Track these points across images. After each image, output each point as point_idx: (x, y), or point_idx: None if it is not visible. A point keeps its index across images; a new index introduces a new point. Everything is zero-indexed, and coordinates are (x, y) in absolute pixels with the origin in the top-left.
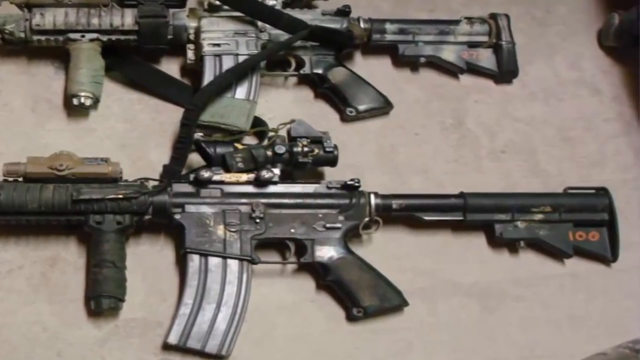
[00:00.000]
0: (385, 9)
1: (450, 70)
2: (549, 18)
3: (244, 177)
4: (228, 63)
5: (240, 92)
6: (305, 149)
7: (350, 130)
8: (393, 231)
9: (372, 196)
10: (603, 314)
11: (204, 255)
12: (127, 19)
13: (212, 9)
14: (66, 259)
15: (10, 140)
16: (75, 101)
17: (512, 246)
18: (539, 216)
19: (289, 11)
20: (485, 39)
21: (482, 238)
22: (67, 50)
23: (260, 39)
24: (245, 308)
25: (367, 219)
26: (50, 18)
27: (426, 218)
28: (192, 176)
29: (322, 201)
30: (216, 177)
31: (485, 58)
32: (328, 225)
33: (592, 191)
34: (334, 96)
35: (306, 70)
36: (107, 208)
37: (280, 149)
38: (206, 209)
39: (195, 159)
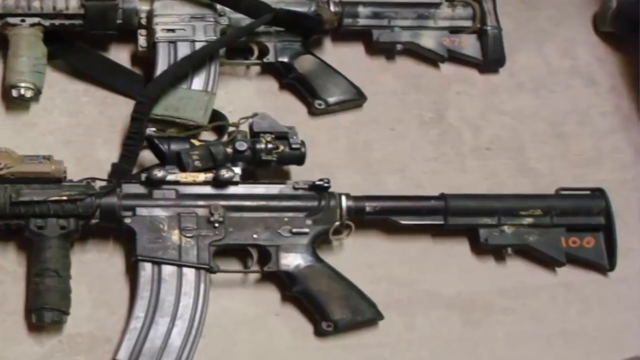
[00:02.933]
0: None
1: (429, 58)
2: (539, 1)
3: (201, 176)
4: (184, 50)
5: (197, 82)
6: (269, 145)
7: (319, 125)
8: (367, 237)
9: (344, 198)
10: (599, 328)
11: (157, 263)
12: (71, 1)
13: None
14: (4, 268)
15: None
16: (14, 92)
17: (498, 253)
18: (528, 220)
19: None
20: (468, 23)
21: (466, 244)
22: (6, 36)
23: (219, 23)
24: (203, 322)
25: (337, 223)
26: None
27: (403, 222)
28: (143, 176)
29: (287, 203)
30: (170, 177)
31: (469, 45)
32: (294, 230)
33: (587, 192)
34: (301, 87)
35: (270, 58)
36: (49, 211)
37: (242, 146)
38: (159, 212)
39: (147, 156)
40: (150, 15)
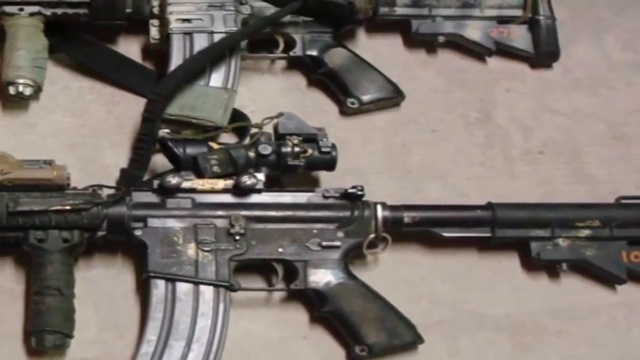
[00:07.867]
0: None
1: (475, 51)
2: None
3: (221, 183)
4: (201, 43)
5: (216, 79)
6: (296, 149)
7: (352, 126)
8: (405, 251)
9: (379, 207)
10: None
11: (171, 280)
12: None
13: None
14: (1, 286)
15: None
16: (12, 90)
17: (551, 269)
18: (585, 232)
19: None
20: (518, 12)
21: (515, 259)
22: (2, 27)
23: (240, 13)
24: (222, 346)
25: (372, 235)
26: None
27: (446, 234)
28: (156, 183)
29: (317, 214)
30: (186, 184)
31: (519, 37)
32: (324, 243)
33: None
34: (332, 84)
35: (297, 51)
36: (51, 222)
37: (265, 149)
38: (174, 224)
39: (160, 161)
40: (163, 3)
